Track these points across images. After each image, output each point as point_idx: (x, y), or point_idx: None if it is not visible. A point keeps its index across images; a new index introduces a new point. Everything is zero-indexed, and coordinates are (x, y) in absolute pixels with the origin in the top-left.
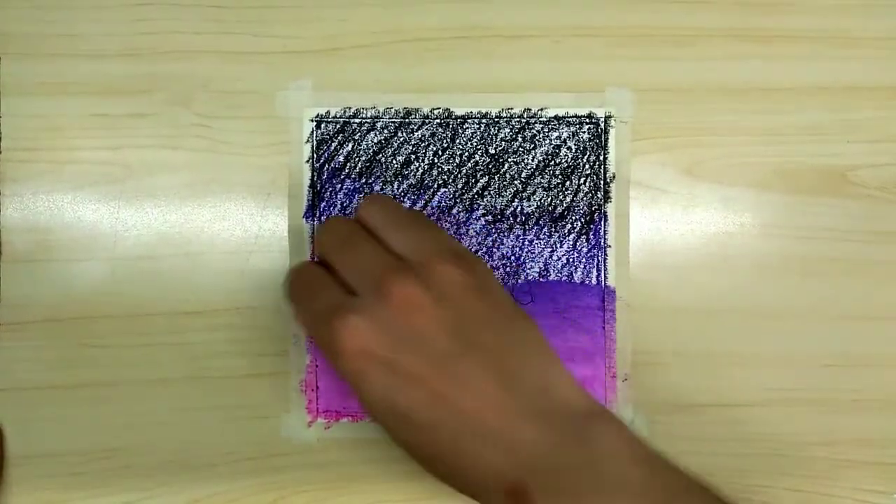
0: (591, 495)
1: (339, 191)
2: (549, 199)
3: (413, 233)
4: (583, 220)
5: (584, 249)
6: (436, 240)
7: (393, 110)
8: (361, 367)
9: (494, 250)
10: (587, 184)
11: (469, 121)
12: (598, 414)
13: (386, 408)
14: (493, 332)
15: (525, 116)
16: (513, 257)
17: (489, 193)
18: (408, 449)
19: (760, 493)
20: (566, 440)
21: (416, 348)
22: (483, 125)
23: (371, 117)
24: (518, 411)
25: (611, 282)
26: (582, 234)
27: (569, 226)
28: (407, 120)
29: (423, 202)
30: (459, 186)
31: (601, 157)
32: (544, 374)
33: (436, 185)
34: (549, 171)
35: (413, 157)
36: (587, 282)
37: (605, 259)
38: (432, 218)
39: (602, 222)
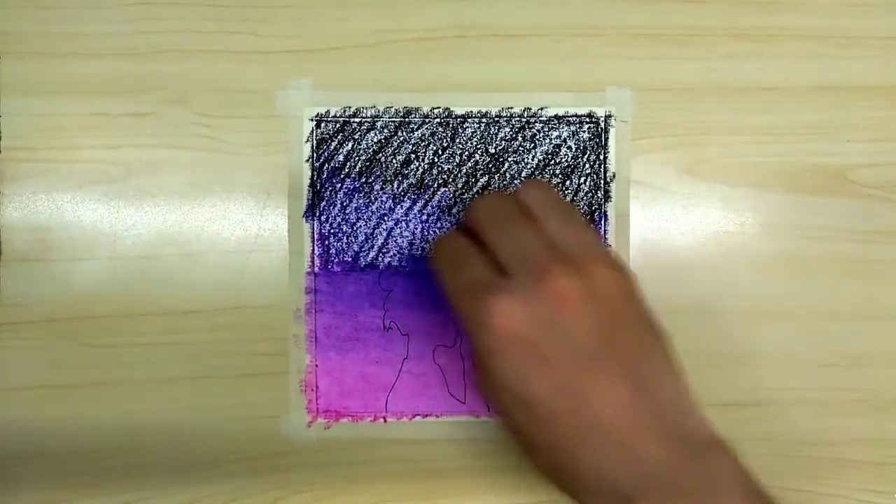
0: None
1: (339, 190)
2: None
3: (571, 226)
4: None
5: None
6: (593, 238)
7: (393, 110)
8: (503, 346)
9: None
10: (587, 183)
11: (469, 120)
12: (718, 443)
13: (514, 390)
14: (637, 342)
15: (525, 116)
16: None
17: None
18: (524, 439)
19: None
20: (686, 464)
21: (561, 340)
22: (483, 125)
23: (371, 117)
24: (646, 425)
25: None
26: None
27: None
28: (407, 119)
29: (423, 202)
30: (459, 186)
31: (601, 157)
32: (676, 394)
33: (436, 185)
34: (550, 170)
35: (413, 156)
36: None
37: None
38: (432, 216)
39: (602, 222)
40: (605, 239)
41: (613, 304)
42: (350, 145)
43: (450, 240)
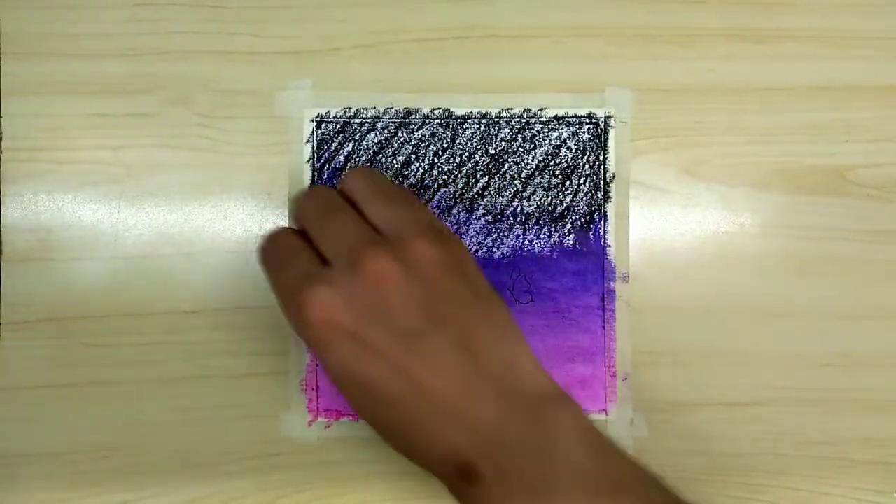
0: (541, 480)
1: None
2: (549, 199)
3: (393, 207)
4: (583, 219)
5: (584, 249)
6: (415, 215)
7: (393, 110)
8: (327, 336)
9: (494, 250)
10: (587, 184)
11: (469, 121)
12: (558, 399)
13: (349, 379)
14: (462, 310)
15: (525, 116)
16: (513, 257)
17: (489, 193)
18: (369, 421)
19: (761, 492)
20: (522, 422)
21: (383, 322)
22: (483, 125)
23: (371, 117)
24: (479, 389)
25: (610, 281)
26: (582, 234)
27: (569, 226)
28: (407, 120)
29: (423, 202)
30: (459, 186)
31: (601, 157)
32: (509, 356)
33: (436, 185)
34: (549, 171)
35: (413, 157)
36: (587, 281)
37: (604, 259)
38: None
39: (602, 222)
40: (605, 240)
41: (433, 278)
42: (350, 146)
43: (276, 236)
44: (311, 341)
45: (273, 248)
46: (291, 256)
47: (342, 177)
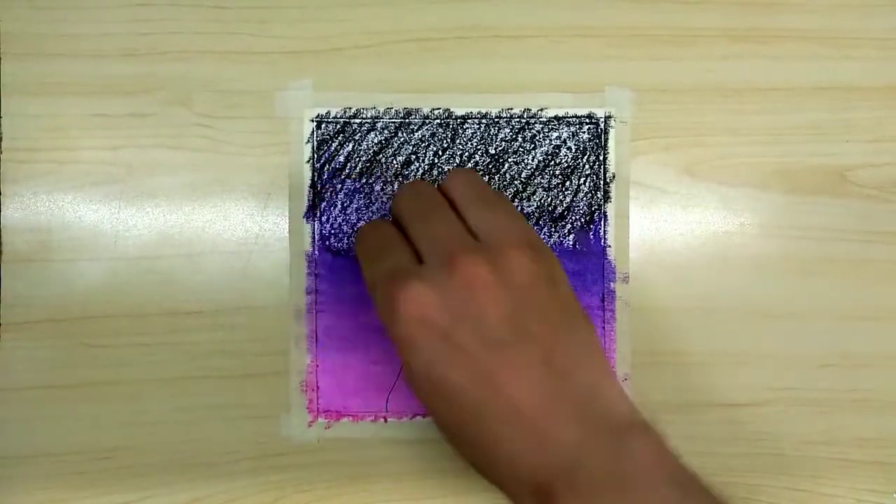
0: None
1: (340, 191)
2: (549, 199)
3: (494, 214)
4: (583, 220)
5: (584, 250)
6: (513, 224)
7: (393, 110)
8: (415, 334)
9: None
10: (587, 184)
11: (469, 121)
12: (640, 427)
13: (432, 381)
14: (550, 326)
15: (525, 117)
16: None
17: None
18: (444, 426)
19: (761, 492)
20: (605, 450)
21: (473, 327)
22: (483, 125)
23: (371, 117)
24: (562, 411)
25: (610, 282)
26: (582, 234)
27: (569, 226)
28: (407, 120)
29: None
30: None
31: (601, 157)
32: (593, 378)
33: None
34: (549, 171)
35: (413, 157)
36: (587, 282)
37: (604, 259)
38: None
39: (602, 222)
40: (605, 240)
41: (527, 290)
42: (350, 146)
43: (374, 228)
44: (400, 338)
45: (370, 239)
46: (387, 249)
47: (445, 174)
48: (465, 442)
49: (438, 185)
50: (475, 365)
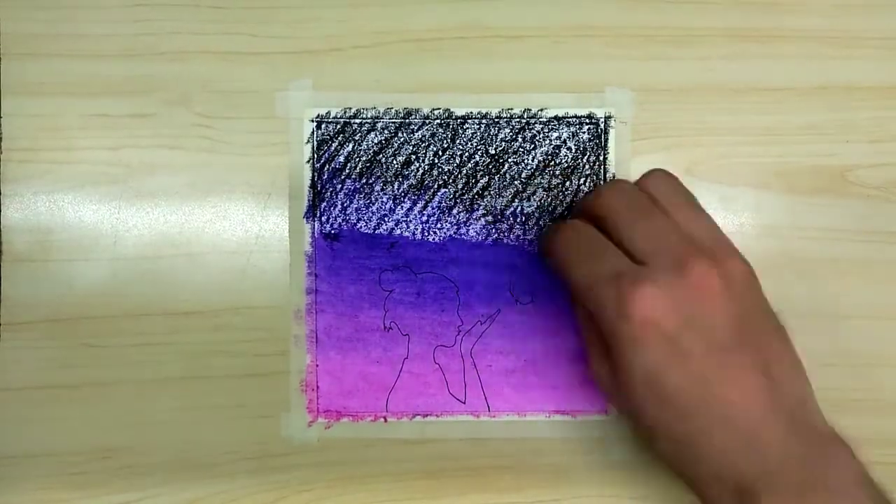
0: None
1: (340, 191)
2: (549, 200)
3: (701, 217)
4: None
5: None
6: (718, 230)
7: (393, 110)
8: (644, 335)
9: (495, 250)
10: (587, 184)
11: (469, 121)
12: (840, 440)
13: (651, 379)
14: (767, 336)
15: (525, 117)
16: (513, 257)
17: (489, 194)
18: (651, 424)
19: None
20: (810, 459)
21: (700, 331)
22: (483, 125)
23: (371, 117)
24: (774, 418)
25: None
26: None
27: None
28: (407, 120)
29: (424, 202)
30: (460, 186)
31: (601, 158)
32: (802, 392)
33: (436, 186)
34: (549, 171)
35: (413, 157)
36: None
37: None
38: (433, 217)
39: None
40: None
41: (747, 298)
42: (350, 146)
43: (575, 229)
44: (625, 337)
45: (575, 240)
46: (600, 250)
47: (643, 175)
48: (671, 438)
49: (637, 184)
50: (697, 367)
